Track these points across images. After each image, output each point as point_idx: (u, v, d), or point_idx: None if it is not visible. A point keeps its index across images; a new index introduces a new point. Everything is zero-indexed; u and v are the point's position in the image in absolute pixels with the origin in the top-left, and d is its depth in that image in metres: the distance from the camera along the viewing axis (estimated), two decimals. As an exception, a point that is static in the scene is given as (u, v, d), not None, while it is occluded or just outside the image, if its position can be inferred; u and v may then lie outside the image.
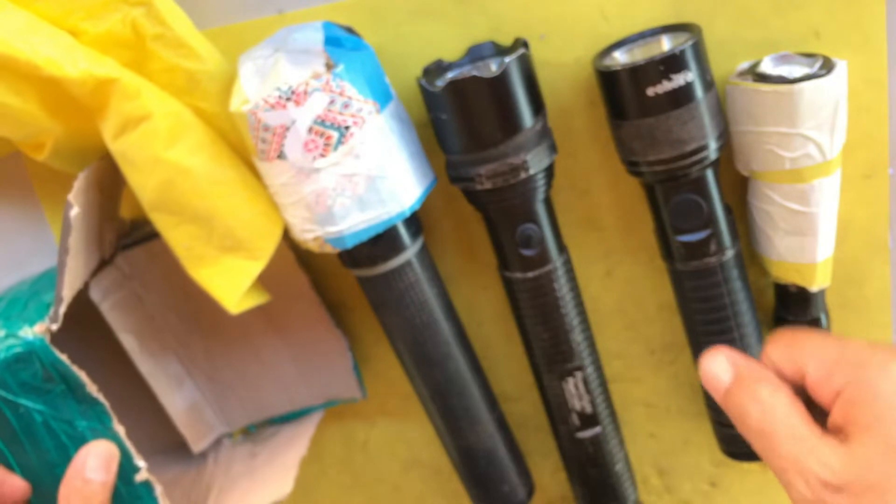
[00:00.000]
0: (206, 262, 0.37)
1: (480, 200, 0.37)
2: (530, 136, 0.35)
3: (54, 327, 0.35)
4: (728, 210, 0.38)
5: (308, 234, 0.36)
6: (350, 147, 0.33)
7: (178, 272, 0.37)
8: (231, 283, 0.37)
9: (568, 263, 0.40)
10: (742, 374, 0.29)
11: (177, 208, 0.35)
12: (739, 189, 0.40)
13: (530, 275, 0.39)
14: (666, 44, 0.36)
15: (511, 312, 0.42)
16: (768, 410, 0.27)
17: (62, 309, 0.35)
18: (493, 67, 0.37)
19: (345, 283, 0.45)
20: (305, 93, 0.32)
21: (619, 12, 0.37)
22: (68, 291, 0.36)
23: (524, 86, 0.35)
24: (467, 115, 0.35)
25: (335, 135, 0.33)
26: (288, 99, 0.32)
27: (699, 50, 0.34)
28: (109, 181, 0.39)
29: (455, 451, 0.44)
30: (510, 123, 0.35)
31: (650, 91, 0.34)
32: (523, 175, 0.35)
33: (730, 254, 0.38)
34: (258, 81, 0.33)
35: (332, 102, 0.32)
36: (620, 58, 0.37)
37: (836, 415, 0.26)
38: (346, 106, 0.33)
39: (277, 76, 0.33)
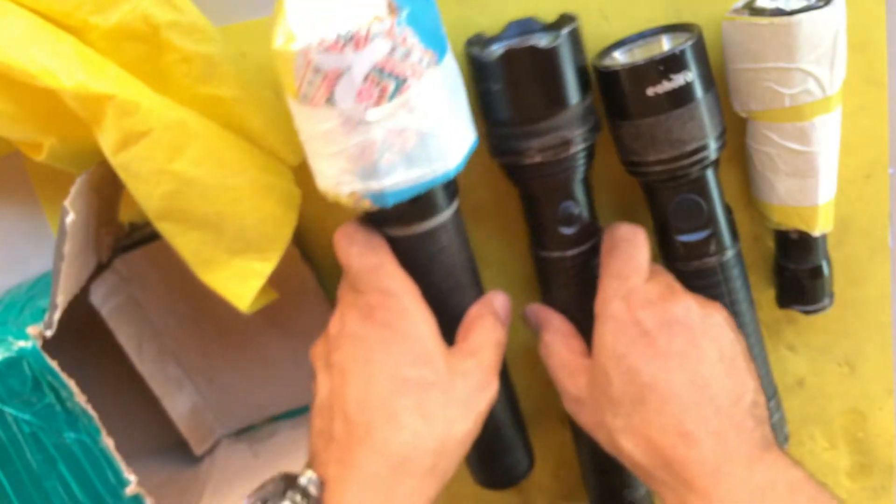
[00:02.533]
0: (216, 266, 0.36)
1: (524, 175, 0.36)
2: (580, 112, 0.35)
3: (48, 333, 0.35)
4: (728, 210, 0.38)
5: (345, 186, 0.32)
6: (405, 99, 0.31)
7: (176, 275, 0.37)
8: (243, 285, 0.36)
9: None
10: (542, 322, 0.39)
11: (184, 216, 0.35)
12: (739, 189, 0.41)
13: (569, 253, 0.38)
14: (666, 44, 0.36)
15: (539, 293, 0.41)
16: (550, 348, 0.38)
17: (57, 315, 0.35)
18: (543, 42, 0.35)
19: (346, 283, 0.45)
20: (367, 38, 0.29)
21: (619, 12, 0.37)
22: (63, 297, 0.35)
23: (576, 60, 0.34)
24: (522, 85, 0.33)
25: (392, 85, 0.30)
26: (347, 42, 0.29)
27: (699, 50, 0.34)
28: (108, 186, 0.38)
29: None
30: (563, 97, 0.34)
31: (650, 91, 0.34)
32: (573, 150, 0.35)
33: (730, 254, 0.38)
34: (311, 19, 0.30)
35: (393, 50, 0.30)
36: (620, 58, 0.37)
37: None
38: (406, 55, 0.30)
39: (334, 16, 0.30)
